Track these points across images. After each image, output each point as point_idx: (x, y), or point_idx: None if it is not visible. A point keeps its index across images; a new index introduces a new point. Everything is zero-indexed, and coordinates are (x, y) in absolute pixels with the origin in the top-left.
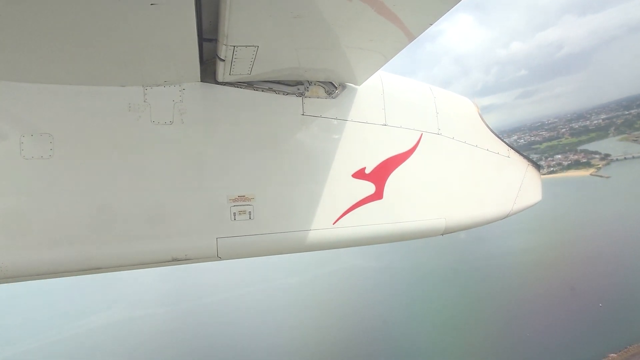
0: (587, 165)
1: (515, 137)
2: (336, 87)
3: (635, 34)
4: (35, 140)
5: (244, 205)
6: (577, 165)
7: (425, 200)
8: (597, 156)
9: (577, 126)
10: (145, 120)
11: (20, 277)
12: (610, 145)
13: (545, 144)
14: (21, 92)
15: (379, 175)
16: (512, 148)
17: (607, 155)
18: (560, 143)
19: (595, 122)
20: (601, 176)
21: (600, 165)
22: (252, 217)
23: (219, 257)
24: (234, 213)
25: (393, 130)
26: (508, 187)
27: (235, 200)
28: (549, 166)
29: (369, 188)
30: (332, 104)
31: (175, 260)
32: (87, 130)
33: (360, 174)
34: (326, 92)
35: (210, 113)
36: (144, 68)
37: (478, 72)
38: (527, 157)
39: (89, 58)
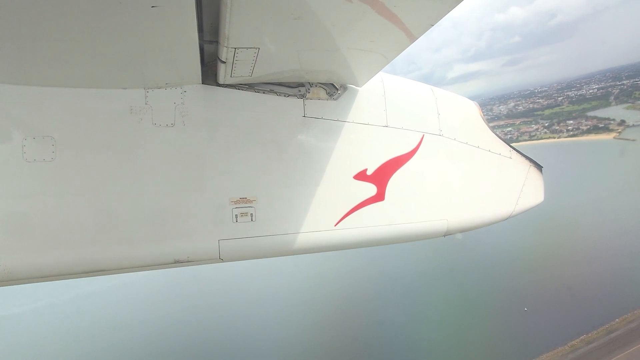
0: (606, 129)
1: (513, 103)
2: (337, 89)
3: (628, 3)
4: (38, 142)
5: (245, 207)
6: (596, 129)
7: (427, 202)
8: (612, 121)
9: (572, 95)
10: (146, 122)
11: (22, 279)
12: (619, 113)
13: (547, 111)
14: (23, 95)
15: (381, 176)
16: (514, 149)
17: (622, 121)
18: (563, 110)
19: (590, 91)
20: (627, 139)
21: (620, 130)
22: (253, 219)
23: (220, 259)
24: (236, 215)
25: (394, 131)
26: (510, 188)
27: (236, 202)
28: (567, 130)
29: (370, 190)
30: (333, 106)
31: (177, 262)
32: (89, 132)
33: (361, 176)
34: (327, 93)
35: (211, 115)
36: (145, 70)
37: (472, 37)
38: (529, 158)
39: (91, 61)
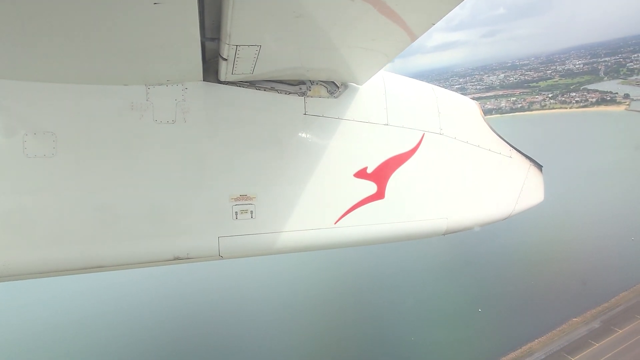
0: (613, 102)
1: (503, 75)
2: (338, 87)
3: None
4: (38, 138)
5: (245, 204)
6: (604, 101)
7: (426, 201)
8: (616, 94)
9: (560, 69)
10: (147, 119)
11: (22, 275)
12: (615, 87)
13: (542, 83)
14: (24, 91)
15: (381, 175)
16: (514, 148)
17: (627, 94)
18: (559, 83)
19: (577, 66)
20: (639, 111)
21: (627, 102)
22: (253, 217)
23: (220, 256)
24: (236, 212)
25: (395, 130)
26: (510, 187)
27: (237, 199)
28: (576, 101)
29: (370, 188)
30: (334, 104)
31: (177, 259)
32: (90, 129)
33: (362, 174)
34: (328, 91)
35: (212, 112)
36: (147, 67)
37: (459, 6)
38: (529, 158)
39: (92, 57)
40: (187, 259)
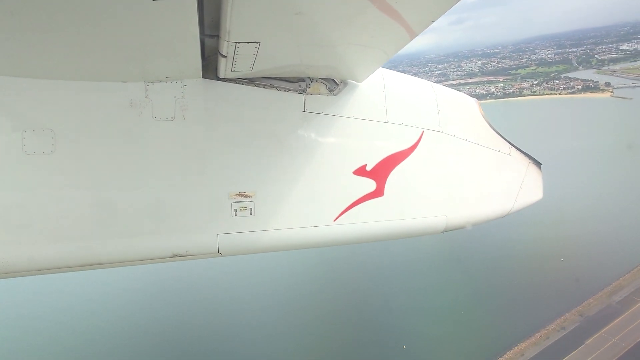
0: (597, 89)
1: (480, 63)
2: (337, 84)
3: None
4: (37, 135)
5: (244, 201)
6: (589, 89)
7: (426, 198)
8: (597, 82)
9: (534, 58)
10: (146, 116)
11: (20, 272)
12: (596, 76)
13: (521, 70)
14: (23, 87)
15: (380, 172)
16: (514, 146)
17: (608, 83)
18: (537, 71)
19: (549, 55)
20: (624, 97)
21: (610, 90)
22: (252, 214)
23: (219, 253)
24: (235, 209)
25: (394, 127)
26: (509, 185)
27: (236, 196)
28: (564, 88)
29: (370, 185)
30: (333, 101)
31: (176, 256)
32: (88, 125)
33: (361, 171)
34: (327, 88)
35: (211, 109)
36: (146, 64)
37: None
38: (528, 155)
39: (91, 53)
40: (185, 256)
